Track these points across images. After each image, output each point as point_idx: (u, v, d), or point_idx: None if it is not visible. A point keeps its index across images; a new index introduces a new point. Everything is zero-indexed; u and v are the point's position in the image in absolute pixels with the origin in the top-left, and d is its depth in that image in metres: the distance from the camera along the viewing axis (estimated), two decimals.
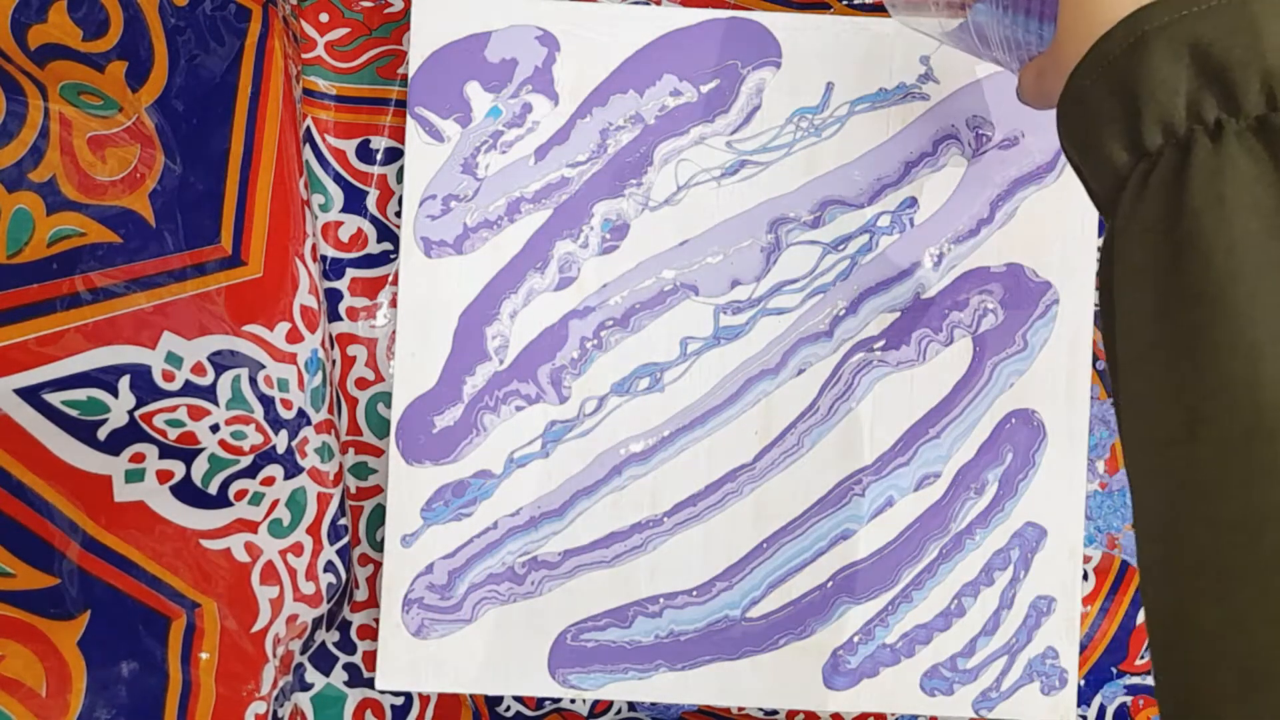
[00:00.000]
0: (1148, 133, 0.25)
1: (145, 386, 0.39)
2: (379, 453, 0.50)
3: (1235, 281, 0.22)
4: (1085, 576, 0.50)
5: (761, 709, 0.50)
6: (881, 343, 0.48)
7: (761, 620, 0.48)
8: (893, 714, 0.50)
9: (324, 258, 0.50)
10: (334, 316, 0.50)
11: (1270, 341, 0.21)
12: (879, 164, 0.49)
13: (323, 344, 0.47)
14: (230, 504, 0.43)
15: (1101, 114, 0.26)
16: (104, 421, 0.38)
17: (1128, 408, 0.25)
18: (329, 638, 0.50)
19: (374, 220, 0.50)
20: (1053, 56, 0.30)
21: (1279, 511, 0.20)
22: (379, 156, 0.51)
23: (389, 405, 0.50)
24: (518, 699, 0.50)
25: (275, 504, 0.44)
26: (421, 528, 0.48)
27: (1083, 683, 0.51)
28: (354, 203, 0.50)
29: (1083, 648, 0.50)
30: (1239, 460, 0.21)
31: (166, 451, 0.40)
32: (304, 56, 0.50)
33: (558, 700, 0.51)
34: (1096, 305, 0.27)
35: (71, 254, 0.37)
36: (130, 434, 0.39)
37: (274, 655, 0.44)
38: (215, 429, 0.41)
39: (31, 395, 0.36)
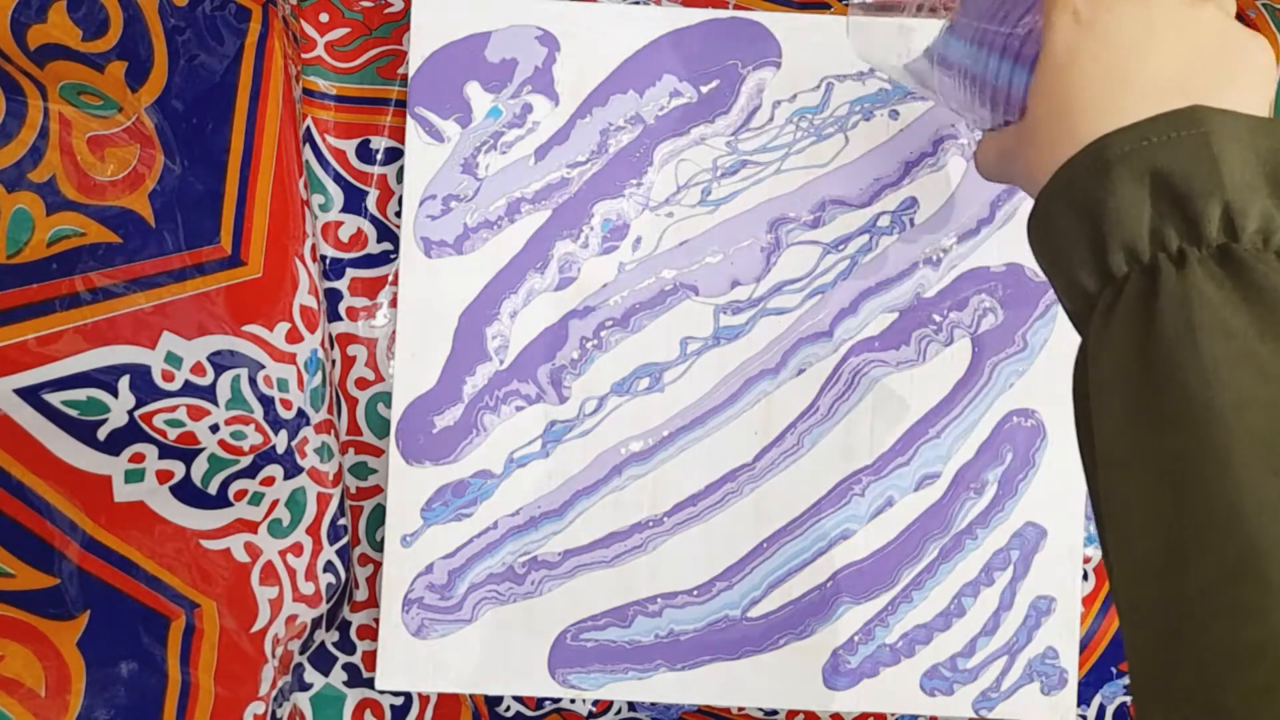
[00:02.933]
0: (1114, 258, 0.25)
1: (145, 386, 0.39)
2: (379, 453, 0.50)
3: (1212, 412, 0.22)
4: (1085, 576, 0.50)
5: (761, 709, 0.50)
6: (881, 343, 0.48)
7: (761, 620, 0.48)
8: (893, 714, 0.50)
9: (324, 258, 0.50)
10: (334, 316, 0.50)
11: (1249, 474, 0.21)
12: (879, 164, 0.49)
13: (323, 344, 0.47)
14: (230, 504, 0.42)
15: (1069, 237, 0.26)
16: (104, 421, 0.38)
17: (1111, 527, 0.25)
18: (328, 638, 0.50)
19: (374, 220, 0.50)
20: (1021, 151, 0.30)
21: (1262, 649, 0.21)
22: (379, 156, 0.51)
23: (389, 405, 0.50)
24: (518, 699, 0.50)
25: (275, 504, 0.44)
26: (421, 528, 0.48)
27: (1082, 683, 0.51)
28: (354, 203, 0.50)
29: (1083, 648, 0.50)
30: (1225, 597, 0.21)
31: (166, 451, 0.40)
32: (304, 56, 0.50)
33: (558, 700, 0.51)
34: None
35: (71, 254, 0.37)
36: (130, 434, 0.39)
37: (273, 655, 0.44)
38: (215, 429, 0.41)
39: (31, 395, 0.36)
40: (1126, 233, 0.25)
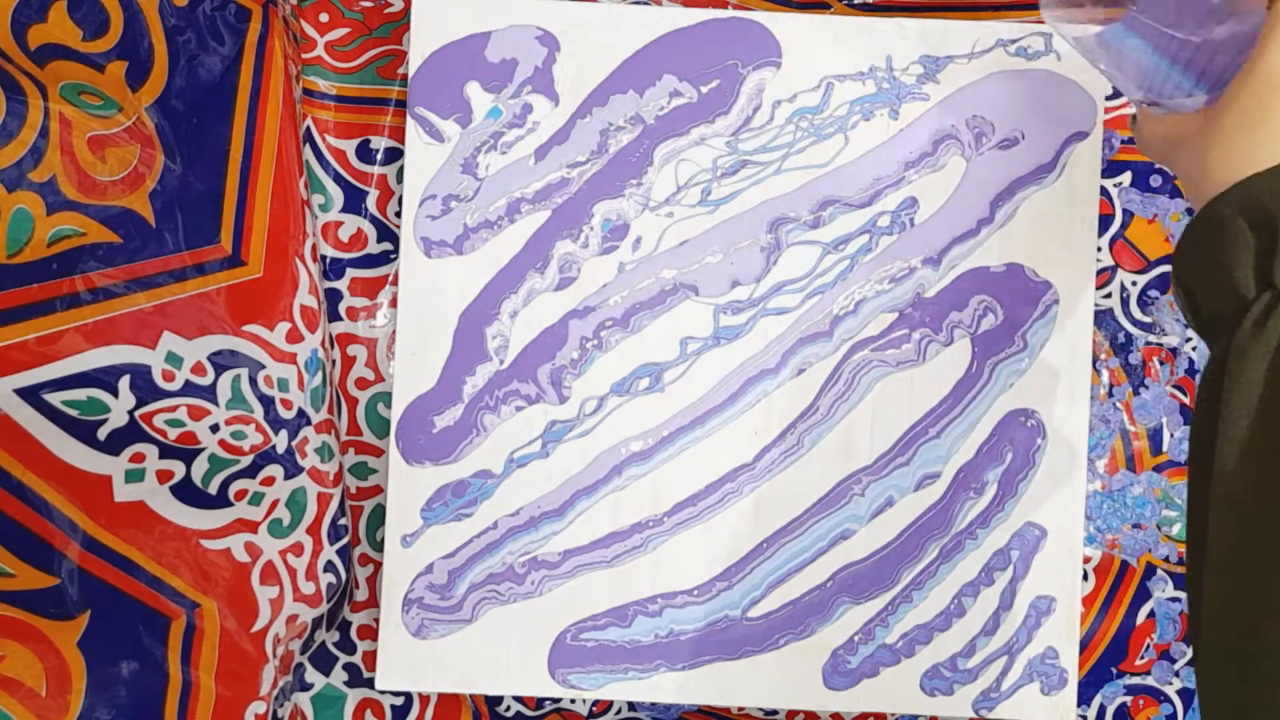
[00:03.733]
0: (1278, 269, 0.27)
1: (145, 386, 0.39)
2: (379, 453, 0.50)
3: None
4: (1085, 576, 0.50)
5: (761, 709, 0.50)
6: (881, 343, 0.48)
7: (761, 620, 0.48)
8: (893, 714, 0.50)
9: (324, 258, 0.50)
10: (334, 316, 0.50)
11: None
12: (879, 164, 0.49)
13: (323, 344, 0.47)
14: (230, 504, 0.43)
15: (1237, 243, 0.28)
16: (104, 421, 0.38)
17: (1220, 519, 0.27)
18: (329, 638, 0.50)
19: (374, 220, 0.50)
20: (1197, 147, 0.32)
21: None
22: (379, 156, 0.51)
23: (389, 405, 0.50)
24: (518, 699, 0.50)
25: (275, 504, 0.44)
26: (421, 528, 0.48)
27: (1083, 683, 0.51)
28: (354, 203, 0.50)
29: (1083, 648, 0.50)
30: None
31: (166, 451, 0.40)
32: (304, 56, 0.50)
33: (558, 700, 0.51)
34: (1199, 397, 0.29)
35: (71, 254, 0.37)
36: (130, 434, 0.39)
37: (274, 655, 0.44)
38: (215, 429, 0.41)
39: (31, 395, 0.36)
40: None
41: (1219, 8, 0.34)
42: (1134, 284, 0.51)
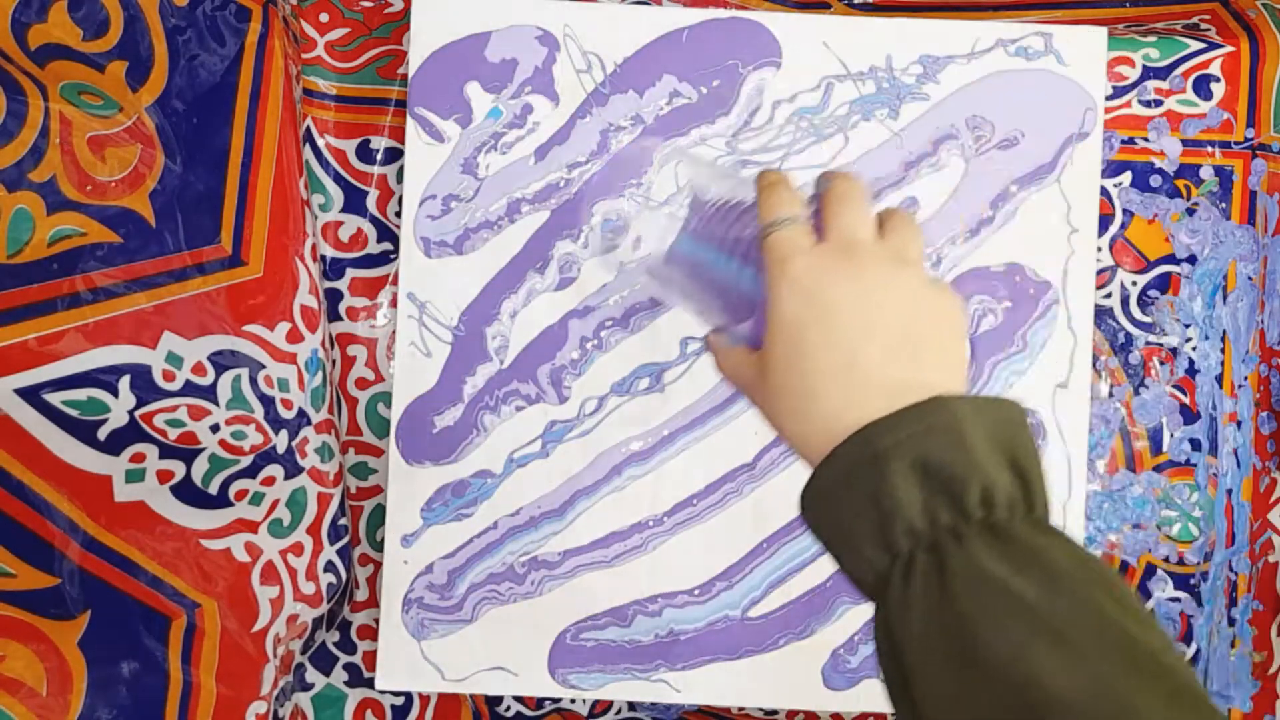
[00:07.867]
0: (900, 538, 0.28)
1: (145, 386, 0.39)
2: (379, 453, 0.50)
3: (1014, 659, 0.26)
4: None
5: (761, 709, 0.50)
6: None
7: (761, 620, 0.48)
8: (892, 714, 0.50)
9: (324, 258, 0.50)
10: (334, 316, 0.50)
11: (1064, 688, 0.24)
12: (879, 164, 0.49)
13: (323, 344, 0.47)
14: (230, 504, 0.43)
15: (854, 516, 0.30)
16: (104, 421, 0.38)
17: None
18: (329, 638, 0.50)
19: (374, 220, 0.50)
20: (761, 396, 0.33)
21: None
22: (379, 156, 0.51)
23: (389, 405, 0.50)
24: (518, 699, 0.50)
25: (275, 504, 0.44)
26: (421, 528, 0.48)
27: None
28: (354, 203, 0.50)
29: None
30: None
31: (167, 451, 0.40)
32: (304, 56, 0.50)
33: (558, 700, 0.51)
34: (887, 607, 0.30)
35: (72, 254, 0.37)
36: (130, 434, 0.39)
37: (274, 655, 0.44)
38: (215, 429, 0.41)
39: (32, 395, 0.36)
40: (905, 515, 0.28)
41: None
42: (1134, 284, 0.51)
